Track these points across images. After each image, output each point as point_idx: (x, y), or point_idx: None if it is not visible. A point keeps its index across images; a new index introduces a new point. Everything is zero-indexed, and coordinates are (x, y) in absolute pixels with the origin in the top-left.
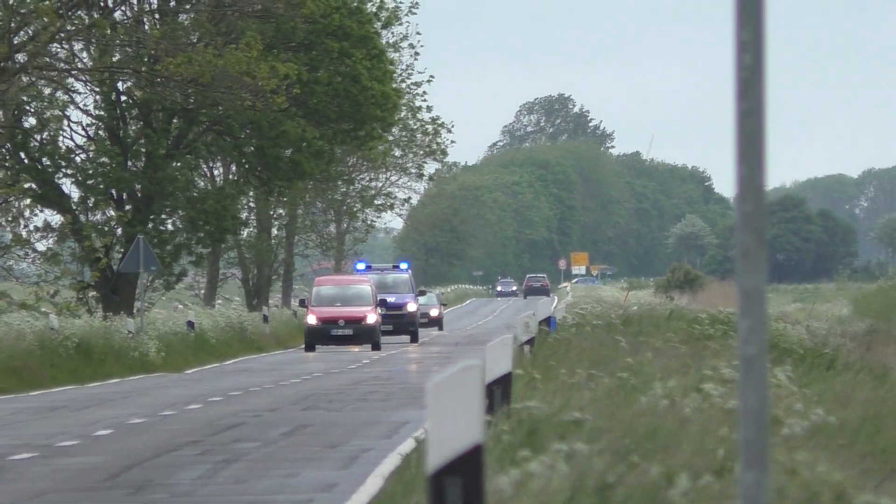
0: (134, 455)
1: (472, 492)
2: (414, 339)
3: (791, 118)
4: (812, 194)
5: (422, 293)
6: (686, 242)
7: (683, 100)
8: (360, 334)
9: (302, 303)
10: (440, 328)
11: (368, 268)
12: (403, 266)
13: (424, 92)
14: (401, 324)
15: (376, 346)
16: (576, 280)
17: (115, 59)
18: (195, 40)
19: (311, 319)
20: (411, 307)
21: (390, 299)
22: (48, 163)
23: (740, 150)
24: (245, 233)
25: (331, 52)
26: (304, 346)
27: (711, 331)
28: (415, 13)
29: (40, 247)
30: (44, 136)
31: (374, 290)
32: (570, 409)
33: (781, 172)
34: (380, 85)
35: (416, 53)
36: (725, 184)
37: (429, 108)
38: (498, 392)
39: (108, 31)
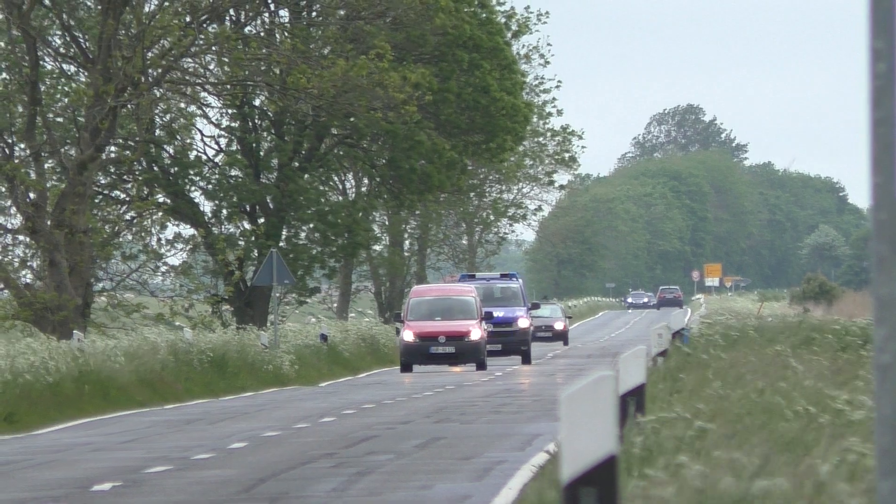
0: (268, 468)
1: (607, 502)
2: (526, 359)
3: None
4: None
5: (535, 306)
6: (820, 253)
7: (817, 110)
8: (464, 352)
9: (397, 317)
10: (565, 343)
11: (471, 277)
12: (513, 275)
13: (554, 98)
14: (511, 342)
15: (481, 366)
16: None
17: (246, 73)
18: (326, 52)
19: (408, 336)
20: (523, 322)
21: (498, 313)
22: (180, 176)
23: (875, 159)
24: (378, 246)
25: (461, 62)
26: (399, 366)
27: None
28: (545, 23)
29: (174, 260)
30: (176, 149)
31: (478, 301)
32: (702, 419)
33: None
34: (510, 97)
35: (547, 62)
36: (859, 194)
37: (559, 112)
38: (631, 403)
39: (240, 46)
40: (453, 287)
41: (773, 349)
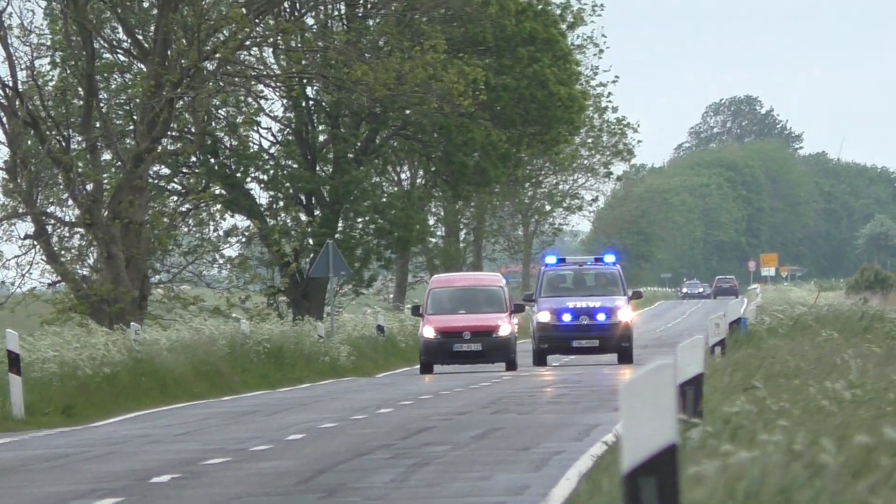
0: (326, 459)
1: (667, 491)
2: (626, 358)
3: None
4: None
5: (637, 295)
6: (876, 243)
7: (872, 100)
8: (492, 350)
9: (416, 310)
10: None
11: (561, 261)
12: (610, 259)
13: (610, 93)
14: (608, 338)
15: (512, 365)
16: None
17: (303, 64)
18: (381, 45)
19: (428, 331)
20: (623, 315)
21: (593, 304)
22: (238, 168)
23: None
24: (434, 238)
25: (521, 58)
26: (418, 365)
27: None
28: (600, 15)
29: (230, 252)
30: (233, 141)
31: (507, 290)
32: (763, 409)
33: None
34: (566, 88)
35: (601, 51)
36: None
37: (614, 109)
38: (690, 393)
39: (297, 38)
40: (479, 276)
41: (832, 339)
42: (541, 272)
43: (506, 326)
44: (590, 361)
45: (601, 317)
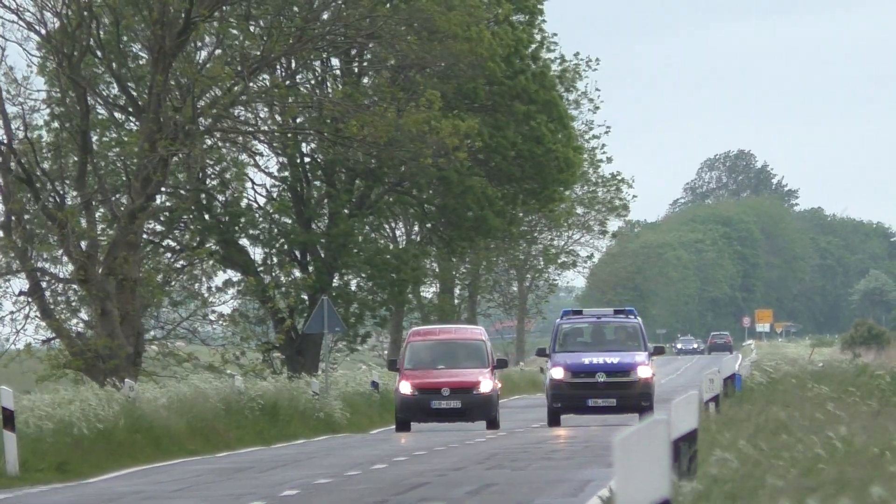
0: None
1: None
2: (645, 412)
3: None
4: None
5: (659, 351)
6: (871, 298)
7: (867, 155)
8: (472, 407)
9: (392, 364)
10: None
11: (578, 313)
12: (630, 311)
13: (604, 145)
14: (628, 396)
15: (493, 423)
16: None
17: (298, 121)
18: (376, 100)
19: (405, 387)
20: (644, 371)
21: (611, 360)
22: (232, 224)
23: None
24: (429, 293)
25: (516, 113)
26: (394, 424)
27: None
28: (595, 69)
29: (225, 309)
30: (227, 197)
31: (489, 345)
32: (757, 466)
33: None
34: (563, 148)
35: (596, 107)
36: None
37: (609, 160)
38: (684, 448)
39: (290, 97)
40: (460, 328)
41: (824, 395)
42: (556, 324)
43: (487, 383)
44: (609, 421)
45: (620, 374)
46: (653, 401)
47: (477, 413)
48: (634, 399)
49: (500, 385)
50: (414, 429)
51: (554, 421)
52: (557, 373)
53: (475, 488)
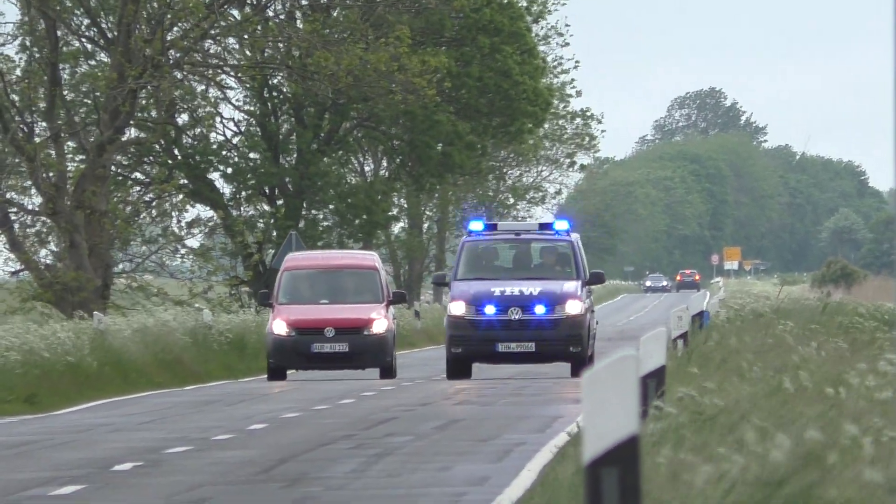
0: (288, 449)
1: (628, 481)
2: (579, 363)
3: None
4: None
5: (597, 278)
6: (840, 237)
7: (837, 93)
8: (362, 352)
9: (264, 298)
10: None
11: (491, 228)
12: (562, 226)
13: (573, 80)
14: (554, 339)
15: (388, 372)
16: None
17: (266, 55)
18: (346, 36)
19: (278, 327)
20: (573, 307)
21: (530, 290)
22: (200, 159)
23: None
24: (396, 229)
25: (482, 47)
26: (266, 372)
27: (869, 325)
28: (564, 4)
29: (193, 243)
30: (196, 132)
31: (384, 274)
32: (722, 401)
33: None
34: (532, 81)
35: (566, 43)
36: (880, 177)
37: (578, 93)
38: (652, 385)
39: (259, 28)
40: (348, 254)
41: (792, 331)
42: (461, 243)
43: (381, 322)
44: (534, 373)
45: (540, 309)
46: (587, 345)
47: (368, 358)
48: (560, 343)
49: (393, 324)
50: (290, 377)
51: (455, 371)
52: (457, 307)
53: (442, 423)
